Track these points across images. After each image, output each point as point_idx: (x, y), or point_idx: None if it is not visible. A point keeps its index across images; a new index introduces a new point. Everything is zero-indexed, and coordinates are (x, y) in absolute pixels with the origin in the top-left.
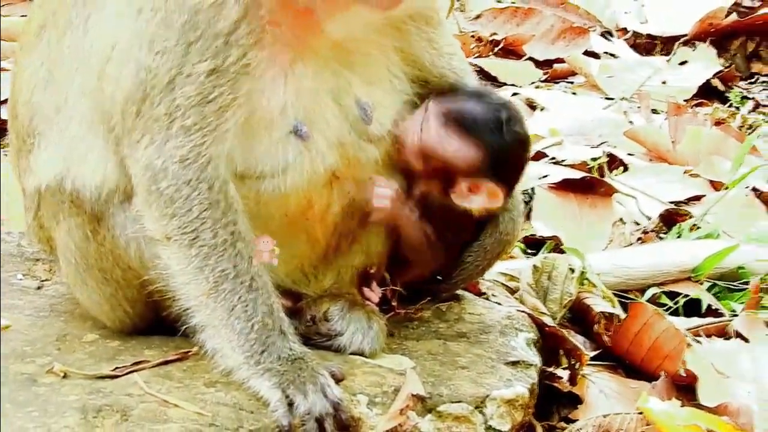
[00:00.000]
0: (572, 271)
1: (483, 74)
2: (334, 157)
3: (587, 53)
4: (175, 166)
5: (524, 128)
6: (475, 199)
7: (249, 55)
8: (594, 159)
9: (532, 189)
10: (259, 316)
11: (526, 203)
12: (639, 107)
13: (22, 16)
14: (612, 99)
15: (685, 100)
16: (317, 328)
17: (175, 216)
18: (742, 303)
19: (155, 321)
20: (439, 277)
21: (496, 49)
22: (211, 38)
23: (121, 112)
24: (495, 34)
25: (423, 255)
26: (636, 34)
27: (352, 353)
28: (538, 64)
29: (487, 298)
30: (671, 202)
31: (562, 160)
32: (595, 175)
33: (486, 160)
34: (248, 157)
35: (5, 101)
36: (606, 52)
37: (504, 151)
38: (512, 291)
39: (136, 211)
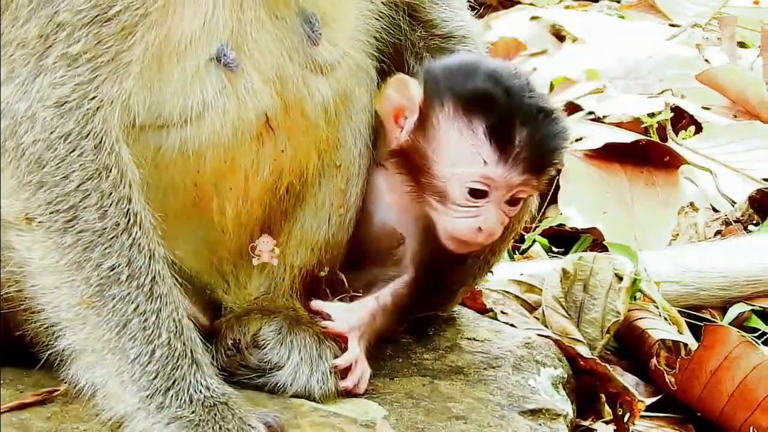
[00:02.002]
0: (620, 279)
1: None
2: (269, 97)
3: None
4: (47, 113)
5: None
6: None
7: None
8: (652, 114)
9: None
10: (164, 337)
11: (551, 180)
12: (719, 38)
13: None
14: (679, 26)
15: None
16: (243, 358)
17: (43, 186)
18: None
19: (5, 346)
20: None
21: None
22: None
23: None
24: None
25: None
26: None
27: (295, 395)
28: None
29: (493, 317)
30: (765, 179)
31: (605, 116)
32: (654, 138)
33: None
34: (149, 97)
35: None
36: None
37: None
38: (531, 307)
39: None
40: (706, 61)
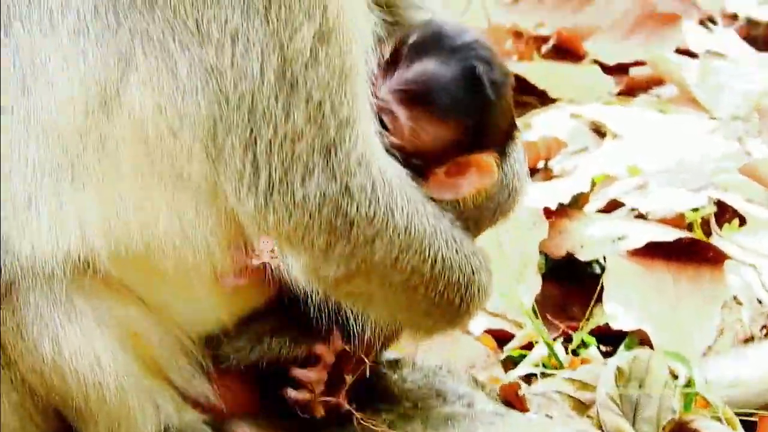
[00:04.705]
0: (675, 377)
1: (525, 86)
2: None
3: (679, 51)
4: (358, 177)
5: (502, 69)
6: (463, 182)
7: None
8: (695, 210)
9: (604, 258)
10: None
11: (596, 276)
12: (760, 131)
13: None
14: (719, 119)
15: None
16: None
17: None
18: None
19: None
20: None
21: (544, 48)
22: None
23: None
24: (542, 26)
25: None
26: (752, 22)
27: None
28: (608, 69)
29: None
30: None
31: (647, 213)
32: (698, 234)
33: (467, 134)
34: None
35: None
36: (708, 50)
37: (489, 111)
38: (584, 405)
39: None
40: (748, 153)
